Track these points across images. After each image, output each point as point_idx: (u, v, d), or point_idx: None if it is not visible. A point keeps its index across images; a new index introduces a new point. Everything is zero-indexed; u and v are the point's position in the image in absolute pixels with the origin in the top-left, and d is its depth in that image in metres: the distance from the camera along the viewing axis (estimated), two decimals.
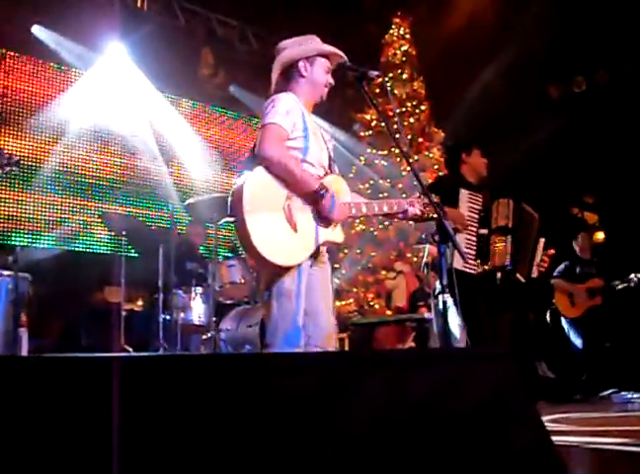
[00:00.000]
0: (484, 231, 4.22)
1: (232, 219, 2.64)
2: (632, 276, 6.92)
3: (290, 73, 2.92)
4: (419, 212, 3.06)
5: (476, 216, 4.22)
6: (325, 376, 1.24)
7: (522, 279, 4.33)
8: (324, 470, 1.17)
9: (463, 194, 4.20)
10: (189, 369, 1.12)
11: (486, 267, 4.19)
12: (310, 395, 1.21)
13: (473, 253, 4.16)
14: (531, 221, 4.51)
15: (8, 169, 4.53)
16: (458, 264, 4.00)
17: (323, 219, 2.76)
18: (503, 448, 1.38)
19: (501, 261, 4.23)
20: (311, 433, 1.19)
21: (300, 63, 2.90)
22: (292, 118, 2.76)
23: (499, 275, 4.25)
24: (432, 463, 1.29)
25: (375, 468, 1.22)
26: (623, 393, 6.60)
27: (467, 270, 4.09)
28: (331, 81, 2.94)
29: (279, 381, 1.20)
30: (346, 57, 2.94)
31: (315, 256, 2.79)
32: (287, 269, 2.65)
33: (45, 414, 0.97)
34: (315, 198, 2.71)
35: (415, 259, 8.58)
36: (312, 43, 2.94)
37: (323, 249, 2.88)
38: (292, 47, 2.93)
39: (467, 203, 4.21)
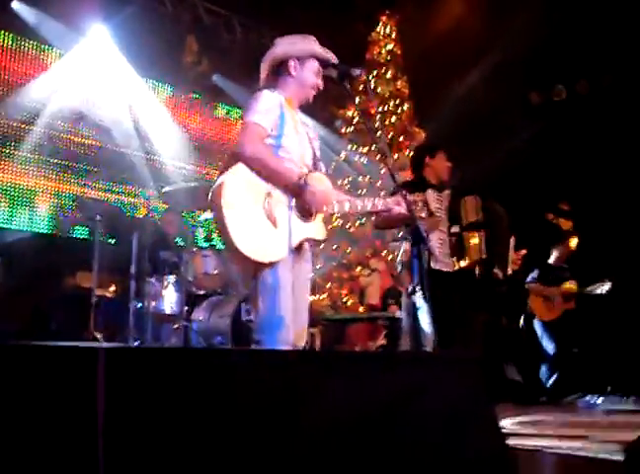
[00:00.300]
0: (456, 229, 4.26)
1: (211, 215, 2.66)
2: (605, 286, 7.03)
3: (280, 70, 2.93)
4: (404, 212, 3.05)
5: (444, 216, 4.26)
6: (292, 375, 1.25)
7: (500, 275, 4.39)
8: (287, 469, 1.18)
9: (429, 194, 4.22)
10: (172, 362, 1.13)
11: (463, 263, 4.23)
12: (277, 392, 1.22)
13: (448, 251, 4.19)
14: (501, 216, 4.57)
15: None
16: (435, 263, 4.05)
17: (304, 211, 2.77)
18: (459, 453, 1.40)
19: (477, 255, 4.27)
20: (277, 430, 1.20)
21: (291, 62, 2.90)
22: (272, 116, 2.77)
23: (477, 270, 4.29)
24: (389, 465, 1.30)
25: (336, 469, 1.23)
26: (588, 398, 6.71)
27: (443, 268, 4.13)
28: (320, 84, 2.94)
29: (249, 377, 1.21)
30: (330, 55, 2.92)
31: (298, 252, 2.80)
32: (268, 265, 2.65)
33: (29, 403, 0.97)
34: (296, 191, 2.72)
35: (390, 257, 8.62)
36: (307, 44, 2.93)
37: (306, 246, 2.88)
38: (286, 45, 2.93)
39: (434, 204, 4.25)
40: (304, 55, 2.90)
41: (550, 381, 6.99)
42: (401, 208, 3.01)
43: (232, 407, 1.19)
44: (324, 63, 2.91)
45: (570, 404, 6.71)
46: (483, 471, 1.40)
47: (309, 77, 2.90)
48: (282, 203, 2.73)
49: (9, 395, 1.00)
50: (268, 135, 2.77)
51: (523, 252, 4.77)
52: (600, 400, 6.60)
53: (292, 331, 2.71)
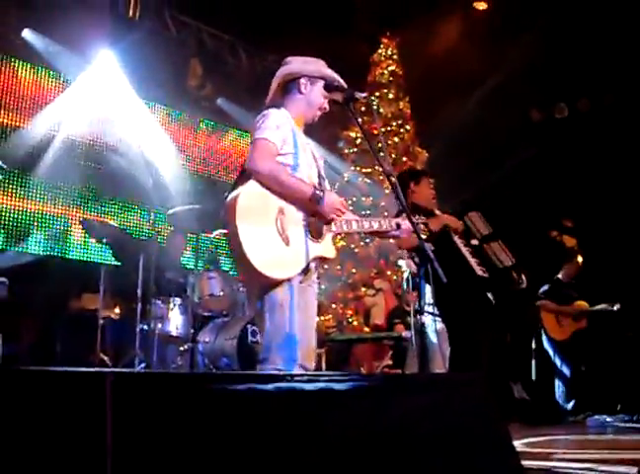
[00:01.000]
0: (475, 242, 4.31)
1: (225, 231, 2.67)
2: (615, 306, 7.04)
3: (289, 87, 2.96)
4: (408, 229, 3.06)
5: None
6: (303, 399, 1.25)
7: (524, 282, 4.42)
8: None
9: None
10: (181, 387, 1.13)
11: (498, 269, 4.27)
12: (288, 417, 1.22)
13: (478, 261, 4.23)
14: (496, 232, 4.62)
15: None
16: (478, 271, 4.10)
17: (315, 231, 2.77)
18: (475, 471, 1.39)
19: (507, 262, 4.31)
20: (291, 452, 1.20)
21: (302, 80, 2.93)
22: (282, 133, 2.79)
23: (514, 273, 4.33)
24: None
25: None
26: (597, 417, 6.66)
27: (484, 274, 4.19)
28: (326, 106, 2.97)
29: (257, 401, 1.21)
30: (345, 86, 2.95)
31: (306, 271, 2.79)
32: (279, 282, 2.65)
33: (36, 427, 0.96)
34: (312, 203, 2.73)
35: (395, 277, 8.61)
36: (318, 66, 2.98)
37: (313, 266, 2.87)
38: (300, 63, 2.97)
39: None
40: (315, 76, 2.94)
41: (570, 405, 6.96)
42: (409, 227, 3.02)
43: (241, 431, 1.19)
44: (331, 87, 2.94)
45: (579, 423, 6.66)
46: None
47: (317, 97, 2.94)
48: (295, 221, 2.74)
49: (16, 421, 1.00)
50: (277, 152, 2.79)
51: None
52: (609, 419, 6.55)
53: (300, 350, 2.69)
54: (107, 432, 1.00)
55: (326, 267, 8.72)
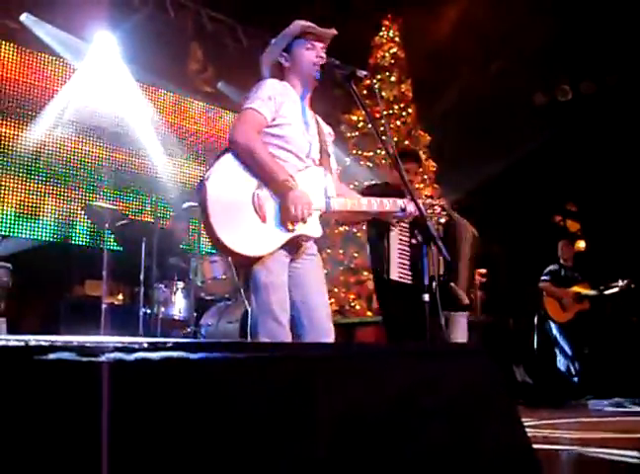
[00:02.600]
0: (415, 241, 4.23)
1: (194, 204, 2.55)
2: (620, 284, 7.03)
3: (280, 71, 2.85)
4: (414, 211, 2.91)
5: (407, 226, 4.22)
6: (303, 371, 1.24)
7: (460, 292, 4.37)
8: (299, 463, 1.18)
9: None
10: (181, 363, 1.12)
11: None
12: (289, 387, 1.21)
13: (407, 263, 4.16)
14: (462, 235, 4.51)
15: None
16: (394, 274, 4.04)
17: (284, 213, 2.59)
18: (479, 443, 1.39)
19: (435, 271, 4.25)
20: (287, 425, 1.19)
21: (280, 58, 2.84)
22: (275, 103, 2.67)
23: (434, 284, 4.28)
24: (405, 458, 1.29)
25: (350, 462, 1.23)
26: (600, 400, 6.68)
27: (402, 280, 4.12)
28: (320, 55, 2.80)
29: (259, 371, 1.20)
30: (317, 28, 2.83)
31: (293, 248, 2.68)
32: (257, 260, 2.55)
33: (27, 407, 0.95)
34: (279, 190, 2.58)
35: None
36: (287, 32, 2.83)
37: (306, 243, 2.74)
38: (270, 46, 2.87)
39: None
40: (289, 42, 2.82)
41: (576, 379, 6.99)
42: (413, 209, 2.90)
43: (242, 408, 1.18)
44: (331, 66, 2.84)
45: (582, 406, 6.68)
46: (504, 460, 1.39)
47: (301, 56, 2.80)
48: (273, 198, 2.60)
49: (10, 397, 0.98)
50: (268, 125, 2.67)
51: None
52: (611, 402, 6.57)
53: (310, 329, 2.64)
54: (102, 410, 0.99)
55: (328, 251, 8.73)
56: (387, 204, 2.91)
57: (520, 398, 6.44)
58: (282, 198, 2.57)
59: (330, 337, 2.71)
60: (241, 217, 2.52)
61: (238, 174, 2.56)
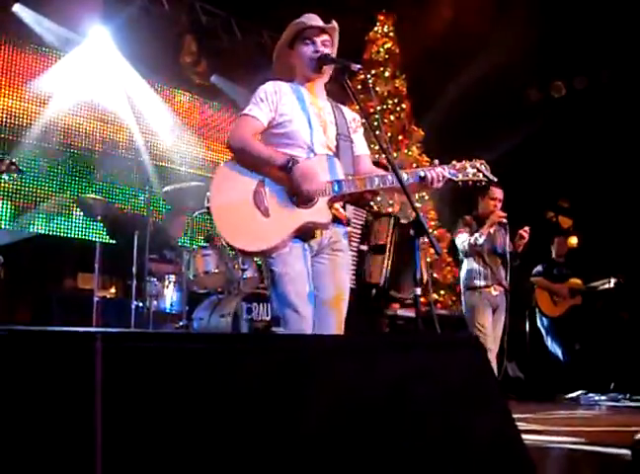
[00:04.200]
0: (364, 247, 4.24)
1: (205, 210, 2.75)
2: (610, 282, 7.08)
3: (289, 66, 2.95)
4: (447, 175, 2.84)
5: (358, 232, 4.24)
6: (297, 360, 1.24)
7: (399, 296, 4.38)
8: (290, 452, 1.18)
9: (348, 208, 4.20)
10: (168, 347, 1.12)
11: (363, 281, 4.22)
12: (280, 377, 1.21)
13: (353, 268, 4.17)
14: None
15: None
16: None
17: (297, 195, 2.65)
18: (470, 434, 1.40)
19: (375, 279, 4.25)
20: (280, 413, 1.19)
21: (289, 59, 2.93)
22: (269, 104, 2.76)
23: (373, 291, 4.28)
24: (397, 448, 1.30)
25: (342, 450, 1.23)
26: (591, 395, 6.72)
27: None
28: (318, 49, 2.85)
29: (250, 361, 1.20)
30: (307, 22, 2.88)
31: (307, 237, 2.70)
32: (270, 252, 2.62)
33: (24, 389, 0.95)
34: (285, 174, 2.64)
35: None
36: (288, 30, 2.93)
37: (334, 235, 2.76)
38: (278, 46, 2.97)
39: (353, 219, 4.21)
40: (292, 38, 2.91)
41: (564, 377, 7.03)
42: (435, 173, 2.80)
43: (236, 393, 1.18)
44: (325, 60, 2.82)
45: (573, 401, 6.71)
46: (493, 450, 1.39)
47: (302, 53, 2.87)
48: (277, 190, 2.67)
49: (3, 382, 0.98)
50: (264, 127, 2.76)
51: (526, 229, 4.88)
52: (602, 397, 6.61)
53: (323, 325, 2.65)
54: (96, 392, 0.99)
55: None
56: (406, 175, 2.79)
57: (512, 393, 6.47)
58: (288, 179, 2.63)
59: (336, 327, 2.73)
60: (243, 218, 2.64)
61: (237, 175, 2.70)
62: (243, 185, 2.67)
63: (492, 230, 5.02)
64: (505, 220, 4.99)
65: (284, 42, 2.94)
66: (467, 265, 5.14)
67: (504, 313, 5.16)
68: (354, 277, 4.15)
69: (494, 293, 5.05)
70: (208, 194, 2.74)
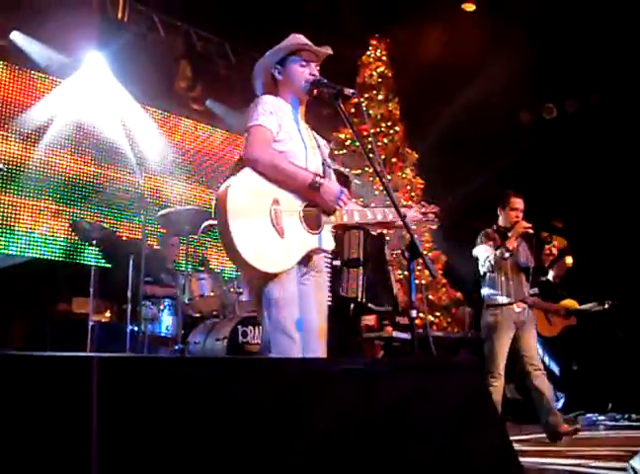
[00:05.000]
0: (337, 263, 4.21)
1: (213, 222, 2.58)
2: (604, 305, 7.07)
3: (273, 83, 2.89)
4: (420, 216, 3.06)
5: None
6: (292, 384, 1.24)
7: (377, 308, 4.36)
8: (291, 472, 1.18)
9: None
10: (164, 371, 1.12)
11: (340, 297, 4.19)
12: (279, 400, 1.21)
13: (329, 285, 4.17)
14: (383, 256, 4.49)
15: None
16: None
17: (312, 222, 2.66)
18: (466, 456, 1.39)
19: (353, 293, 4.22)
20: (279, 436, 1.19)
21: (273, 70, 2.87)
22: (277, 118, 2.71)
23: (352, 306, 4.25)
24: (394, 470, 1.30)
25: (341, 472, 1.23)
26: (589, 415, 6.68)
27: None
28: (313, 72, 2.84)
29: (249, 385, 1.20)
30: (312, 45, 2.87)
31: (306, 264, 2.71)
32: (274, 276, 2.55)
33: (21, 412, 0.95)
34: (311, 192, 2.64)
35: None
36: (284, 44, 2.88)
37: (317, 257, 2.78)
38: (263, 59, 2.90)
39: None
40: (283, 56, 2.85)
41: (559, 404, 6.93)
42: (415, 213, 3.00)
43: (232, 417, 1.18)
44: (318, 84, 2.82)
45: (571, 421, 6.68)
46: (490, 469, 1.39)
47: (295, 72, 2.83)
48: (291, 212, 2.63)
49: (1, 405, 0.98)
50: (273, 139, 2.70)
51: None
52: (601, 417, 6.58)
53: (307, 348, 2.60)
54: (92, 416, 0.99)
55: None
56: (389, 215, 2.94)
57: (509, 415, 6.44)
58: (317, 196, 2.64)
59: (321, 352, 2.70)
60: (260, 232, 2.53)
61: (256, 189, 2.59)
62: (261, 201, 2.57)
63: (516, 244, 4.81)
64: (531, 231, 4.85)
65: (276, 57, 2.86)
66: (489, 280, 4.94)
67: (533, 329, 4.97)
68: (330, 294, 4.14)
69: (517, 310, 4.86)
70: (223, 204, 2.46)
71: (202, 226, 5.44)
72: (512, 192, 5.11)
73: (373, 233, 4.48)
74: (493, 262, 4.81)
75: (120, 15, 8.18)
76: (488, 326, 4.92)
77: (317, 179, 2.65)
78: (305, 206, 2.71)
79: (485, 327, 4.96)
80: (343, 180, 4.66)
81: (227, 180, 2.60)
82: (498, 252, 4.78)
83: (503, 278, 4.87)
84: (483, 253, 4.92)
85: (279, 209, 2.59)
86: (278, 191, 2.63)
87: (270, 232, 2.54)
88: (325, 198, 2.65)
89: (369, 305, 4.28)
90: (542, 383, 4.84)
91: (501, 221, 5.04)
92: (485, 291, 4.99)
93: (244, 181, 2.58)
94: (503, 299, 4.85)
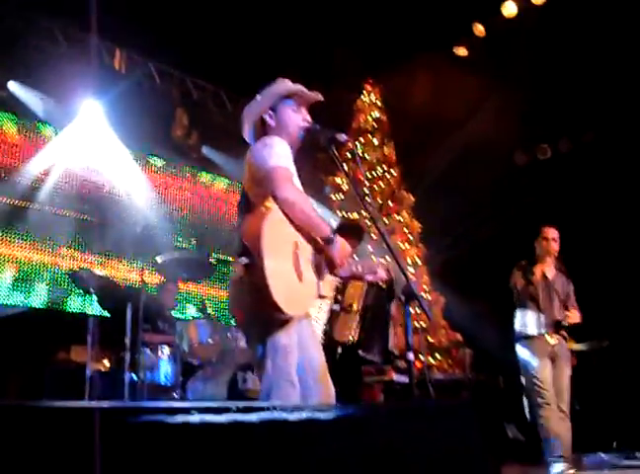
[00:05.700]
0: (336, 307, 4.25)
1: (246, 261, 2.43)
2: (602, 343, 7.05)
3: (263, 127, 2.82)
4: (385, 276, 3.14)
5: (333, 293, 4.27)
6: (293, 433, 1.24)
7: (367, 357, 4.36)
8: None
9: None
10: (168, 421, 1.12)
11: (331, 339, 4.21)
12: (280, 449, 1.21)
13: (323, 327, 4.19)
14: (383, 307, 4.51)
15: None
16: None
17: (318, 268, 2.67)
18: None
19: (343, 337, 4.23)
20: None
21: (265, 116, 2.81)
22: (290, 161, 2.67)
23: (339, 349, 4.25)
24: None
25: None
26: (594, 454, 6.60)
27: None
28: (306, 118, 2.81)
29: (251, 433, 1.21)
30: (306, 90, 2.83)
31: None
32: (285, 322, 2.49)
33: (21, 465, 0.95)
34: (324, 244, 2.64)
35: None
36: (274, 89, 2.83)
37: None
38: (253, 104, 2.85)
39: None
40: (275, 101, 2.81)
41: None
42: (383, 273, 3.09)
43: (237, 466, 1.18)
44: (311, 131, 2.81)
45: (576, 461, 6.59)
46: None
47: (288, 118, 2.79)
48: (306, 257, 2.62)
49: (3, 457, 0.98)
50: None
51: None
52: (606, 457, 6.49)
53: (315, 391, 2.60)
54: (95, 468, 0.99)
55: None
56: (365, 268, 3.07)
57: (512, 456, 6.35)
58: (328, 250, 2.64)
59: (333, 397, 2.68)
60: (288, 275, 2.49)
61: (283, 230, 2.54)
62: (286, 241, 2.53)
63: (550, 275, 4.80)
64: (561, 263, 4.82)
65: (269, 102, 2.80)
66: (520, 312, 4.92)
67: (566, 365, 4.90)
68: (323, 336, 4.15)
69: (551, 342, 4.82)
70: (258, 242, 2.34)
71: (233, 262, 5.43)
72: (547, 224, 5.21)
73: (382, 285, 4.51)
74: (520, 290, 4.89)
75: (116, 64, 8.34)
76: (522, 360, 4.92)
77: (332, 235, 2.64)
78: (315, 254, 2.72)
79: (520, 361, 4.96)
80: (357, 232, 4.72)
81: (246, 216, 2.53)
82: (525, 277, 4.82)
83: (534, 308, 4.88)
84: (514, 283, 4.99)
85: (298, 253, 2.57)
86: (296, 235, 2.60)
87: (293, 275, 2.51)
88: (335, 255, 2.65)
89: (359, 352, 4.28)
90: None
91: (537, 253, 5.11)
92: (516, 323, 5.00)
93: (275, 219, 2.49)
94: (534, 330, 4.84)
